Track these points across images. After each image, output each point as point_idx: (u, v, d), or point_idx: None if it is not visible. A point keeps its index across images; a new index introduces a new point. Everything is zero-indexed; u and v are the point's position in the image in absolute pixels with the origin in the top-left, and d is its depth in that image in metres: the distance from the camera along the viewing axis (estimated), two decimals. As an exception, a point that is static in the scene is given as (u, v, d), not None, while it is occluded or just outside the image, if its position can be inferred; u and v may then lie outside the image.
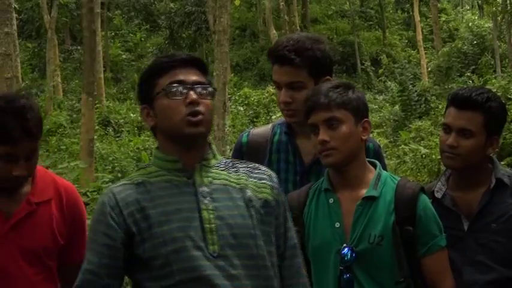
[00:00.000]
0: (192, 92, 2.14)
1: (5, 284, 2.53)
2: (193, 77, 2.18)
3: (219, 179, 2.19)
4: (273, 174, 2.31)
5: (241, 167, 2.27)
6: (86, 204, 7.81)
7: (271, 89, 23.32)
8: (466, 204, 2.71)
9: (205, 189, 2.15)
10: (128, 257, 2.11)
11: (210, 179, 2.18)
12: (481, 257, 2.65)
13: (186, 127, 2.12)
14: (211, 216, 2.11)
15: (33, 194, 2.60)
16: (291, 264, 2.26)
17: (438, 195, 2.73)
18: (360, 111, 2.50)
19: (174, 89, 2.14)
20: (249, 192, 2.19)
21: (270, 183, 2.26)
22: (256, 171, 2.28)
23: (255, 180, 2.24)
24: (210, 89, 2.19)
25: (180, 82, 2.15)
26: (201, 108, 2.14)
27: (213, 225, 2.10)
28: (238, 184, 2.20)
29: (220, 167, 2.23)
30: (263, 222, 2.18)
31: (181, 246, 2.06)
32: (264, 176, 2.27)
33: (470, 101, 2.65)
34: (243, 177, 2.23)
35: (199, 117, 2.13)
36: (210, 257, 2.07)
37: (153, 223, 2.09)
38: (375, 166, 2.58)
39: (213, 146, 2.28)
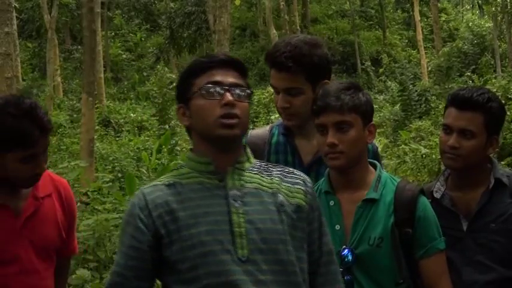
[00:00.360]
0: (228, 94, 2.09)
1: (21, 281, 2.56)
2: (231, 79, 2.13)
3: (251, 183, 2.14)
4: (308, 179, 2.26)
5: (275, 171, 2.22)
6: (86, 204, 7.83)
7: (271, 89, 23.30)
8: (465, 204, 2.71)
9: (237, 192, 2.11)
10: (157, 259, 2.08)
11: (242, 182, 2.13)
12: (480, 257, 2.65)
13: (219, 129, 2.07)
14: (241, 220, 2.07)
15: (37, 189, 2.64)
16: (326, 271, 2.21)
17: (437, 195, 2.73)
18: (368, 115, 2.50)
19: (211, 90, 2.10)
20: (281, 197, 2.14)
21: (303, 188, 2.21)
22: (290, 175, 2.23)
23: (289, 184, 2.19)
24: (247, 91, 2.15)
25: (217, 83, 2.11)
26: (236, 110, 2.09)
27: (243, 229, 2.06)
28: (270, 188, 2.15)
29: (254, 171, 2.18)
30: (294, 227, 2.13)
31: (209, 249, 2.03)
32: (298, 181, 2.22)
33: (471, 101, 2.65)
34: (276, 181, 2.18)
35: (234, 120, 2.08)
36: (238, 261, 2.03)
37: (182, 225, 2.05)
38: (374, 167, 2.58)
39: (248, 149, 2.23)
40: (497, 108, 2.70)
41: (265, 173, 2.19)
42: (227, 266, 2.02)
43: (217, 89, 2.10)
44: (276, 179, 2.19)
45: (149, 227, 2.07)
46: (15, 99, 2.51)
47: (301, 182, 2.22)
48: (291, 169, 2.28)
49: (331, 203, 2.51)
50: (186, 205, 2.07)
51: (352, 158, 2.46)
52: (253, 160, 2.22)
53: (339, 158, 2.45)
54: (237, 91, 2.11)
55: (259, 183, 2.15)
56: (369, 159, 2.59)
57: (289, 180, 2.21)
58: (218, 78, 2.12)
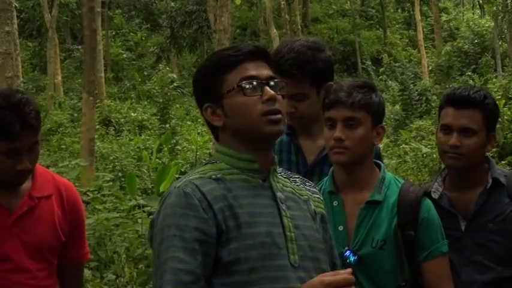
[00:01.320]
0: (268, 88, 1.96)
1: (11, 279, 2.55)
2: (265, 72, 2.00)
3: (287, 187, 2.05)
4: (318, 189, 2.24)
5: (296, 178, 2.14)
6: (87, 203, 7.84)
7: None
8: (463, 204, 2.71)
9: (281, 194, 2.00)
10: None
11: (280, 185, 2.03)
12: (478, 256, 2.65)
13: (266, 126, 1.94)
14: (290, 224, 1.96)
15: (34, 189, 2.62)
16: None
17: (435, 195, 2.73)
18: (378, 116, 2.50)
19: (250, 86, 1.95)
20: (312, 205, 2.08)
21: (321, 197, 2.17)
22: (308, 184, 2.17)
23: (310, 193, 2.13)
24: (282, 83, 2.02)
25: (254, 78, 1.97)
26: (277, 105, 1.97)
27: (293, 234, 1.95)
28: (301, 195, 2.08)
29: (283, 175, 2.09)
30: (323, 237, 2.08)
31: (269, 252, 1.89)
32: (316, 190, 2.17)
33: (469, 99, 2.66)
34: (303, 188, 2.11)
35: (279, 115, 1.96)
36: (291, 267, 1.91)
37: (242, 223, 1.89)
38: (379, 167, 2.57)
39: None
40: (493, 104, 2.72)
41: (291, 178, 2.11)
42: (284, 271, 1.90)
43: (257, 83, 1.96)
44: (301, 186, 2.11)
45: (211, 220, 1.87)
46: (8, 92, 2.52)
47: (317, 191, 2.18)
48: (303, 177, 2.20)
49: (335, 203, 2.49)
50: (241, 202, 1.92)
51: (356, 156, 2.45)
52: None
53: (343, 154, 2.44)
54: (274, 84, 1.99)
55: (292, 188, 2.07)
56: (374, 160, 2.59)
57: (309, 188, 2.14)
58: (253, 72, 1.98)
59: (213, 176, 1.95)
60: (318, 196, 2.15)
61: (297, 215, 2.00)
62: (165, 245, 1.86)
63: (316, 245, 2.01)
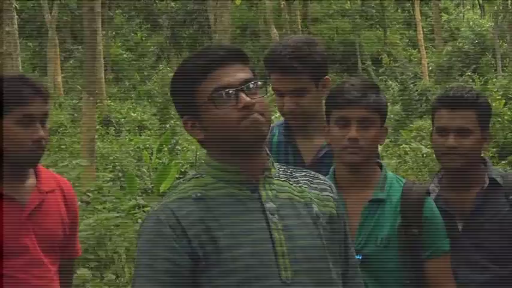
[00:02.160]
0: (243, 95, 1.83)
1: (28, 272, 2.59)
2: (239, 75, 1.86)
3: (283, 192, 1.91)
4: (332, 184, 2.06)
5: (300, 177, 1.99)
6: (87, 203, 7.84)
7: (270, 88, 23.26)
8: (460, 205, 2.72)
9: (272, 205, 1.86)
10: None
11: (274, 192, 1.89)
12: (476, 256, 2.66)
13: (246, 131, 1.83)
14: (282, 237, 1.83)
15: (41, 183, 2.68)
16: (352, 285, 2.02)
17: (432, 196, 2.73)
18: (385, 117, 2.53)
19: (223, 97, 1.83)
20: (315, 208, 1.93)
21: (332, 195, 2.01)
22: (316, 181, 2.01)
23: (317, 192, 1.98)
24: (259, 83, 1.89)
25: (226, 87, 1.84)
26: (257, 107, 1.84)
27: (285, 247, 1.83)
28: (302, 198, 1.93)
29: (281, 177, 1.94)
30: (330, 240, 1.93)
31: (255, 274, 1.79)
32: (326, 187, 2.01)
33: (462, 100, 2.68)
34: (305, 189, 1.96)
35: (256, 114, 1.83)
36: (283, 285, 1.80)
37: (222, 247, 1.79)
38: (380, 166, 2.58)
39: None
40: (486, 102, 2.75)
41: (292, 179, 1.96)
42: None
43: (230, 92, 1.83)
44: (305, 186, 1.97)
45: (185, 248, 1.79)
46: (11, 72, 2.73)
47: (328, 188, 2.02)
48: (313, 173, 2.06)
49: (337, 202, 2.50)
50: (221, 223, 1.81)
51: (368, 156, 2.47)
52: (276, 165, 1.97)
53: (358, 154, 2.45)
54: (250, 87, 1.86)
55: (291, 193, 1.92)
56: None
57: (317, 186, 2.00)
58: (226, 79, 1.85)
59: (193, 195, 1.85)
60: (327, 194, 2.00)
61: (293, 224, 1.87)
62: (138, 273, 1.82)
63: (316, 254, 1.88)
